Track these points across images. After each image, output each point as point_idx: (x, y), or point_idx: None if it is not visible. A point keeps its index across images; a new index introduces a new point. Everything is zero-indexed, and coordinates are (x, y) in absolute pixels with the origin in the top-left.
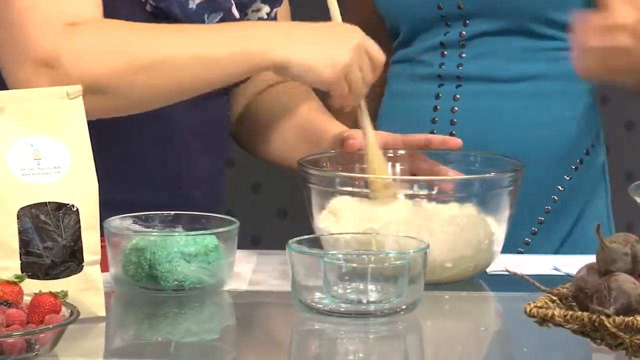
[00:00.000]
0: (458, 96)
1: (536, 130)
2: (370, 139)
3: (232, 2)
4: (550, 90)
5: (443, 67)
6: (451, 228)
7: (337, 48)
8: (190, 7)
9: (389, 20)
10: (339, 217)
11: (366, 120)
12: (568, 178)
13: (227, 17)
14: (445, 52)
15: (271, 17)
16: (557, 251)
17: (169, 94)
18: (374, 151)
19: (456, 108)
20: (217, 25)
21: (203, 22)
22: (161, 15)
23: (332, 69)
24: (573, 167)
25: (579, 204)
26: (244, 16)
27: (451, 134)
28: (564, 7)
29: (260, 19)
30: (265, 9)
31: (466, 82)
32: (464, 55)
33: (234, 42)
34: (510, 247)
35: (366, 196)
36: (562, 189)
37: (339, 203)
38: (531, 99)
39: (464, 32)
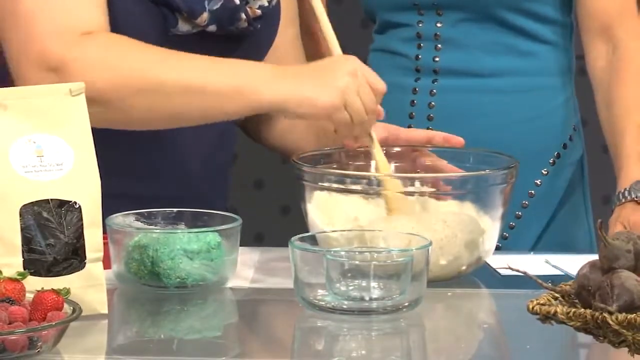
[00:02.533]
0: (435, 91)
1: (512, 125)
2: (384, 170)
3: None
4: (528, 86)
5: (419, 59)
6: (439, 225)
7: (330, 76)
8: None
9: (365, 5)
10: (329, 214)
11: (379, 154)
12: (545, 172)
13: (227, 3)
14: (422, 45)
15: (272, 5)
16: (534, 244)
17: (167, 119)
18: (391, 184)
19: (433, 103)
20: (218, 60)
21: (204, 9)
22: (161, 2)
23: (329, 96)
24: (550, 161)
25: (556, 197)
26: (244, 3)
27: (428, 129)
28: None
29: (262, 6)
30: None
31: (442, 77)
32: (439, 47)
33: (230, 78)
34: None
35: (358, 193)
36: (539, 183)
37: (331, 200)
38: (508, 95)
39: (438, 23)
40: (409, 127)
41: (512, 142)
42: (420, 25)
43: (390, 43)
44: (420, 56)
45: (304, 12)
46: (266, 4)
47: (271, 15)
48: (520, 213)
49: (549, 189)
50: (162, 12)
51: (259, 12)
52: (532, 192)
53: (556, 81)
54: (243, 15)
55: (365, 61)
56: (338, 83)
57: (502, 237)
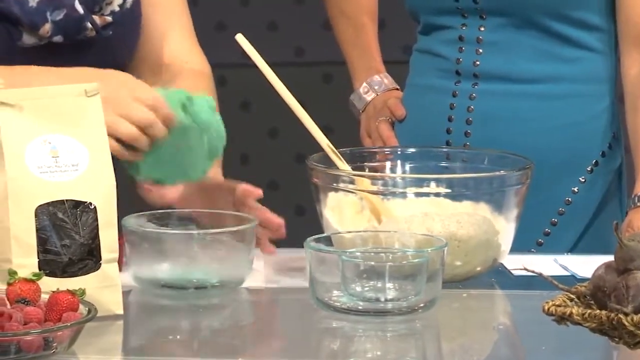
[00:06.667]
0: (474, 95)
1: (551, 132)
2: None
3: None
4: (568, 92)
5: (460, 62)
6: (454, 226)
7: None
8: (30, 5)
9: (409, 6)
10: (342, 215)
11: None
12: (582, 180)
13: (71, 13)
14: (463, 48)
15: (125, 9)
16: (569, 252)
17: None
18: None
19: (472, 107)
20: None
21: (46, 20)
22: (2, 18)
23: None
24: (588, 169)
25: (592, 206)
26: (90, 13)
27: (466, 133)
28: (581, 4)
29: (113, 12)
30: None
31: (483, 81)
32: (480, 51)
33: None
34: (522, 247)
35: (372, 193)
36: (576, 191)
37: (344, 200)
38: (547, 101)
39: (481, 27)
40: (448, 130)
41: (550, 148)
42: (464, 28)
43: (433, 45)
44: (461, 59)
45: None
46: (117, 9)
47: (125, 20)
48: (556, 220)
49: (585, 197)
50: (5, 27)
51: (109, 19)
52: (569, 199)
53: (597, 88)
54: (89, 25)
55: (385, 62)
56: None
57: (537, 244)
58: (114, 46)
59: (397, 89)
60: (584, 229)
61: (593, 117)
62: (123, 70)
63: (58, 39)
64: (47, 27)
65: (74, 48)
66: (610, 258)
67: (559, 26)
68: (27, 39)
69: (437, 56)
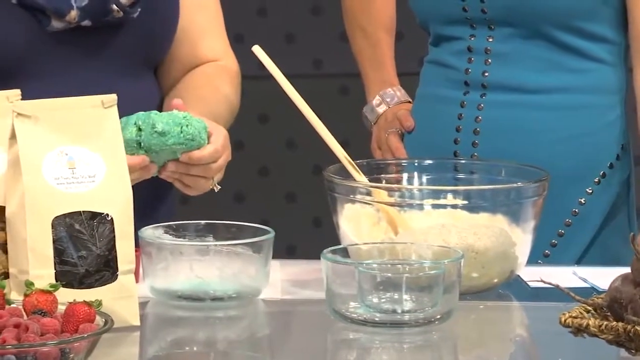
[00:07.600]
0: (482, 105)
1: (559, 143)
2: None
3: None
4: (576, 103)
5: (469, 72)
6: (471, 238)
7: None
8: None
9: (419, 17)
10: (359, 226)
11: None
12: (590, 191)
13: None
14: (472, 59)
15: None
16: (576, 263)
17: None
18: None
19: (480, 117)
20: None
21: (71, 7)
22: (26, 5)
23: None
24: (595, 180)
25: (600, 217)
26: None
27: (474, 144)
28: (590, 16)
29: None
30: None
31: (491, 92)
32: (489, 61)
33: None
34: (529, 258)
35: (390, 205)
36: (583, 202)
37: (361, 212)
38: (555, 112)
39: (490, 38)
40: (455, 140)
41: (557, 159)
42: (472, 39)
43: (442, 56)
44: (470, 70)
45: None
46: None
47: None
48: (563, 231)
49: (592, 208)
50: (34, 14)
51: None
52: (576, 210)
53: (606, 99)
54: (114, 7)
55: (402, 74)
56: None
57: (543, 255)
58: (143, 27)
59: (409, 102)
60: (591, 240)
61: (601, 128)
62: (155, 67)
63: (86, 23)
64: (73, 14)
65: (105, 30)
66: (626, 270)
67: (568, 37)
68: (56, 24)
69: (446, 67)
